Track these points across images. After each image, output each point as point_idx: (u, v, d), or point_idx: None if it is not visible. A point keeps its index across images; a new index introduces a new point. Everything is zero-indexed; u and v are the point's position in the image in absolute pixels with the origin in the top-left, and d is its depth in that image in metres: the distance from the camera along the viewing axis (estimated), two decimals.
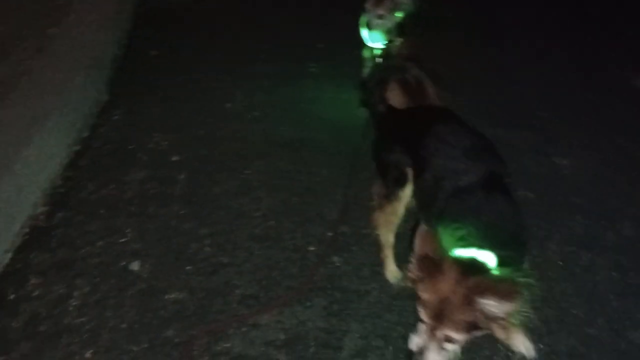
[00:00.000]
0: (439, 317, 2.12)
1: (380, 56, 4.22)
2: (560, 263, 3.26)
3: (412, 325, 2.39)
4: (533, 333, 2.76)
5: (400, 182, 2.83)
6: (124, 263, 3.16)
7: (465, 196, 2.37)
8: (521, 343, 2.71)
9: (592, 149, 4.07)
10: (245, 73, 4.80)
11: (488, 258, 2.12)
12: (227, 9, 5.60)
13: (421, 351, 2.19)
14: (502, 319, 2.03)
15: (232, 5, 5.65)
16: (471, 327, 2.11)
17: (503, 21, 5.71)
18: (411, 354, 2.26)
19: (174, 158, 3.90)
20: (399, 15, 4.09)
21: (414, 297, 2.24)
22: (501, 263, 2.13)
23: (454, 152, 2.54)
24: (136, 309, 2.91)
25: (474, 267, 2.07)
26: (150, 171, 3.78)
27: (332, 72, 4.79)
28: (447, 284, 2.05)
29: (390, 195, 2.89)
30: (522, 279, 2.07)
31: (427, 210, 2.59)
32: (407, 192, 2.83)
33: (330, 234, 3.39)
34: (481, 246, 2.13)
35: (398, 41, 4.17)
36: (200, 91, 4.59)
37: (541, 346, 2.82)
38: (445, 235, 2.22)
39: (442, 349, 2.19)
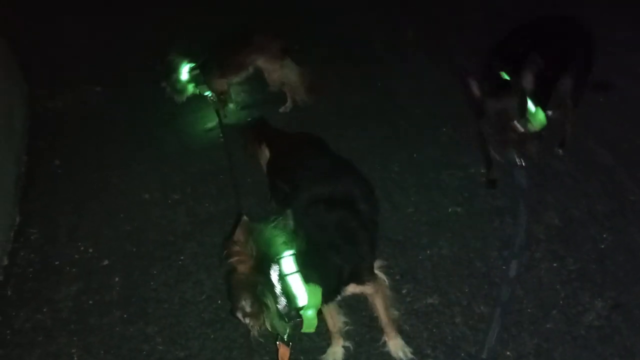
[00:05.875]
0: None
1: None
2: (504, 267, 3.36)
3: None
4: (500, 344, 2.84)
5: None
6: None
7: (312, 207, 2.56)
8: (399, 348, 2.92)
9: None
10: (154, 158, 4.74)
11: (288, 264, 2.26)
12: (119, 98, 5.54)
13: None
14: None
15: (123, 95, 5.58)
16: None
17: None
18: None
19: (104, 263, 3.78)
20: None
21: None
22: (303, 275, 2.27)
23: (314, 170, 2.89)
24: None
25: (261, 267, 2.23)
26: (82, 283, 3.64)
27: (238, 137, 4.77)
28: (243, 268, 2.24)
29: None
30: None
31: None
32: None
33: None
34: (293, 255, 2.29)
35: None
36: (113, 187, 4.48)
37: (508, 353, 2.88)
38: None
39: None
